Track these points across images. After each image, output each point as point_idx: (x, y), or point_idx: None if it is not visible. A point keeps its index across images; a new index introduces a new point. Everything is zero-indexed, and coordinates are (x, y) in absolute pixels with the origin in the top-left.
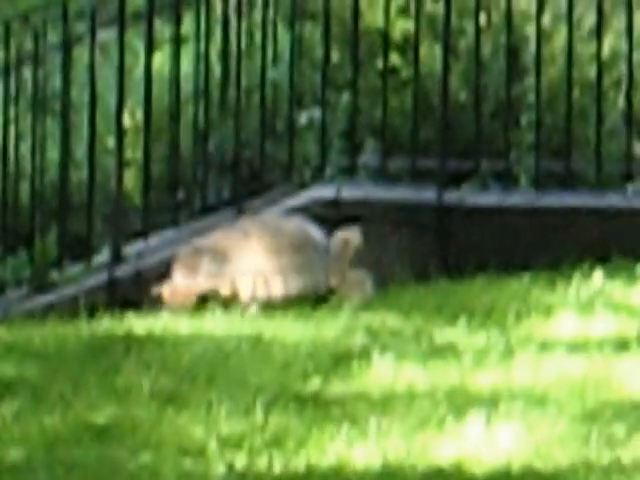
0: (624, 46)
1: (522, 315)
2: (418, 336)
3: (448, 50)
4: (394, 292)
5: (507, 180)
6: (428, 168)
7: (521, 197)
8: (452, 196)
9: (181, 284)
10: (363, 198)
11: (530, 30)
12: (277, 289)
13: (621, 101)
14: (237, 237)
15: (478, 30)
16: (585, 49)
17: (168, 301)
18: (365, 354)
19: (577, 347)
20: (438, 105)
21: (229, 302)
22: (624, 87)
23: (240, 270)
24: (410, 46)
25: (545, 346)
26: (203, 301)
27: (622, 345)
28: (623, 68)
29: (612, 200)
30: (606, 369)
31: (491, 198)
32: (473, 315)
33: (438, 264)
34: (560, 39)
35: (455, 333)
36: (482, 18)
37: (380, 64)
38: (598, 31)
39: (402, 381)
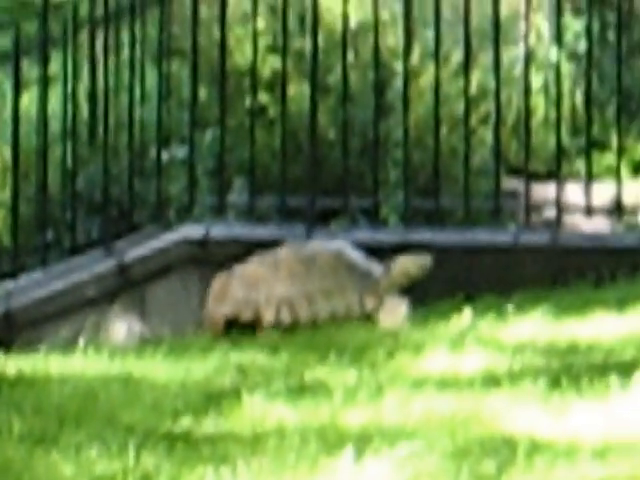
0: (492, 82)
1: (392, 352)
2: (288, 374)
3: (316, 87)
4: (264, 330)
5: (376, 217)
6: (297, 206)
7: (390, 234)
8: (321, 233)
9: (211, 310)
10: (232, 237)
11: (398, 66)
12: (303, 314)
13: (489, 137)
14: (268, 264)
15: (345, 67)
16: (453, 85)
17: (204, 327)
18: (235, 393)
19: (447, 384)
20: (306, 143)
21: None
22: (492, 123)
23: (265, 296)
24: (278, 84)
25: (415, 383)
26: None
27: (492, 381)
28: (491, 104)
29: (480, 237)
30: (476, 405)
31: (360, 235)
32: (343, 352)
33: None
34: (428, 75)
35: (325, 370)
36: (350, 55)
37: (248, 102)
38: (465, 67)
39: (272, 419)
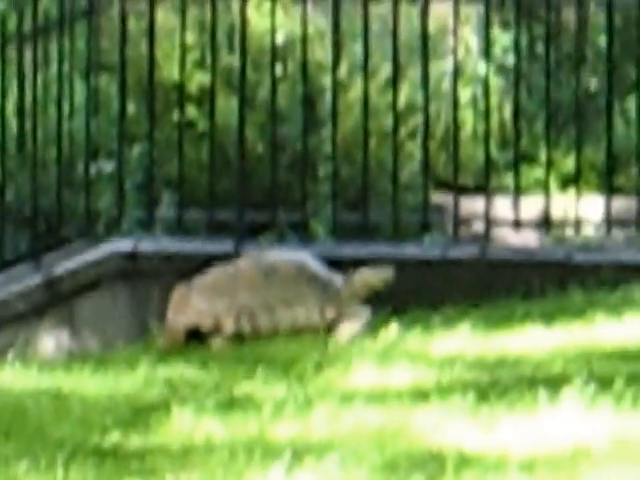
0: (420, 96)
1: (321, 366)
2: (217, 388)
3: (244, 102)
4: (192, 344)
5: (305, 231)
6: (226, 220)
7: (319, 248)
8: (250, 247)
9: (171, 320)
10: (161, 251)
11: (326, 81)
12: (263, 323)
13: (418, 151)
14: (228, 273)
15: (274, 81)
16: (381, 99)
17: (164, 338)
18: (164, 407)
19: (376, 398)
20: (235, 157)
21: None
22: (420, 137)
23: (225, 305)
24: (206, 98)
25: (344, 397)
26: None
27: (420, 395)
28: (419, 118)
29: (409, 250)
30: (405, 419)
31: (289, 249)
32: (272, 366)
33: None
34: (356, 89)
35: (254, 385)
36: (278, 69)
37: (177, 116)
38: (394, 81)
39: (201, 434)
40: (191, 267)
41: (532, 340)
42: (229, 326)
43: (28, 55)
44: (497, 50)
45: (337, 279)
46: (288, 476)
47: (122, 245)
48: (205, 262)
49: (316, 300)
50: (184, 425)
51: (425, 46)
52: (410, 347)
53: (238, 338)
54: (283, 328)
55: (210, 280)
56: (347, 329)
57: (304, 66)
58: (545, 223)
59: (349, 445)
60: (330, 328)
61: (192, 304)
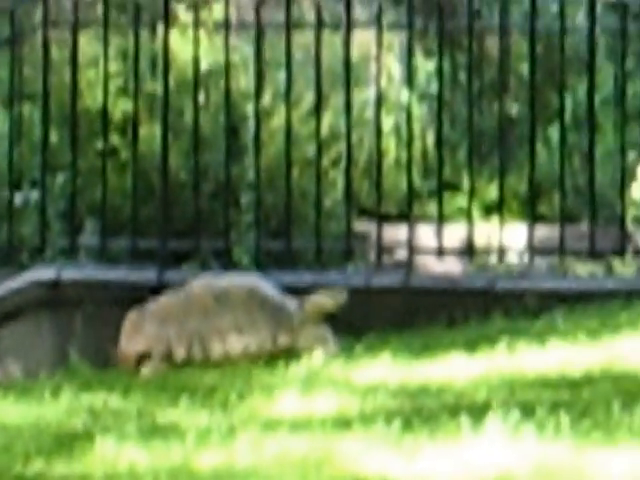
0: (343, 124)
1: (244, 394)
2: (140, 416)
3: (167, 129)
4: (115, 372)
5: (228, 259)
6: (149, 248)
7: None
8: (172, 276)
9: (124, 346)
10: (84, 279)
11: (249, 109)
12: (215, 349)
13: (341, 179)
14: (180, 299)
15: (197, 109)
16: (304, 127)
17: (118, 362)
18: (87, 435)
19: (299, 425)
20: (158, 184)
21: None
22: (343, 165)
23: (177, 331)
24: (130, 126)
25: (268, 425)
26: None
27: (344, 423)
28: (342, 146)
29: (332, 278)
30: (328, 447)
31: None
32: (195, 394)
33: None
34: (279, 117)
35: (177, 412)
36: (201, 97)
37: (100, 144)
38: (317, 109)
39: (124, 462)
40: (114, 295)
41: (455, 368)
42: (180, 353)
43: None
44: (420, 78)
45: (290, 304)
46: None
47: (45, 273)
48: (129, 290)
49: (268, 326)
50: (107, 453)
51: (348, 74)
52: (334, 375)
53: (188, 365)
54: (235, 355)
55: (162, 305)
56: (319, 352)
57: (227, 94)
58: (468, 251)
59: (273, 473)
60: (290, 353)
61: (144, 330)
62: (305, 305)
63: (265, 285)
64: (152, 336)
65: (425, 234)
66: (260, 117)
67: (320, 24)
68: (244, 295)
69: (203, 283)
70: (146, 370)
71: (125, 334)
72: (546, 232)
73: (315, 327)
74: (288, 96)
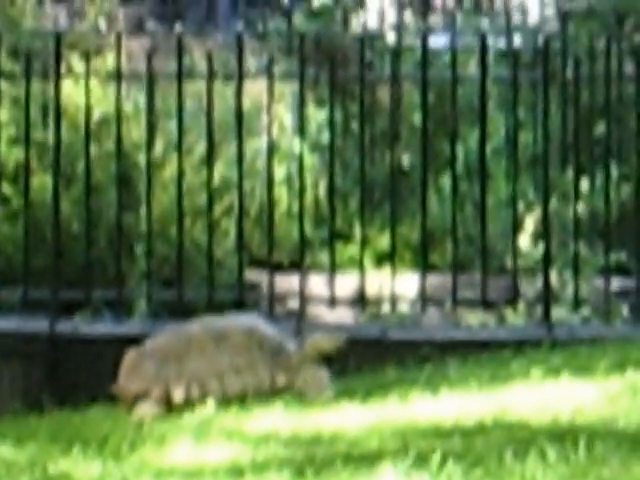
0: (235, 174)
1: (137, 444)
2: (32, 466)
3: (59, 178)
4: (7, 422)
5: (121, 309)
6: (41, 298)
7: (135, 326)
8: (65, 326)
9: (121, 386)
10: None
11: (142, 158)
12: (213, 391)
13: (232, 229)
14: (179, 339)
15: (89, 158)
16: (196, 177)
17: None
18: None
19: (192, 475)
20: (50, 234)
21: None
22: (235, 215)
23: (175, 372)
24: (21, 175)
25: (160, 474)
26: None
27: (236, 472)
28: (234, 196)
29: None
30: None
31: (104, 327)
32: (88, 444)
33: (51, 394)
34: (172, 167)
35: (69, 462)
36: (93, 146)
37: None
38: (209, 159)
39: None
40: (5, 344)
41: (348, 417)
42: (179, 394)
43: None
44: (312, 127)
45: (289, 344)
46: None
47: None
48: (21, 340)
49: (266, 366)
50: None
51: (240, 124)
52: (226, 424)
53: (186, 406)
54: (233, 395)
55: (161, 345)
56: (315, 393)
57: (119, 143)
58: (360, 300)
59: None
60: (287, 390)
61: (142, 370)
62: (304, 346)
63: (264, 325)
64: (150, 376)
65: (317, 284)
66: (152, 167)
67: (212, 74)
68: (243, 335)
69: (201, 324)
70: (142, 411)
71: (124, 373)
72: (438, 281)
73: (313, 368)
74: (180, 146)
